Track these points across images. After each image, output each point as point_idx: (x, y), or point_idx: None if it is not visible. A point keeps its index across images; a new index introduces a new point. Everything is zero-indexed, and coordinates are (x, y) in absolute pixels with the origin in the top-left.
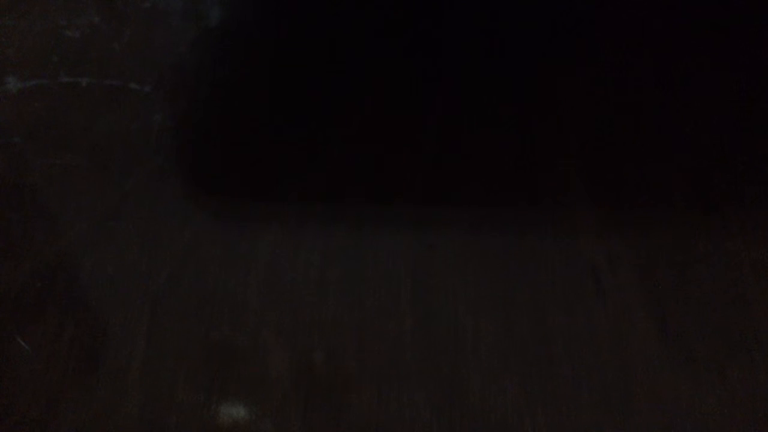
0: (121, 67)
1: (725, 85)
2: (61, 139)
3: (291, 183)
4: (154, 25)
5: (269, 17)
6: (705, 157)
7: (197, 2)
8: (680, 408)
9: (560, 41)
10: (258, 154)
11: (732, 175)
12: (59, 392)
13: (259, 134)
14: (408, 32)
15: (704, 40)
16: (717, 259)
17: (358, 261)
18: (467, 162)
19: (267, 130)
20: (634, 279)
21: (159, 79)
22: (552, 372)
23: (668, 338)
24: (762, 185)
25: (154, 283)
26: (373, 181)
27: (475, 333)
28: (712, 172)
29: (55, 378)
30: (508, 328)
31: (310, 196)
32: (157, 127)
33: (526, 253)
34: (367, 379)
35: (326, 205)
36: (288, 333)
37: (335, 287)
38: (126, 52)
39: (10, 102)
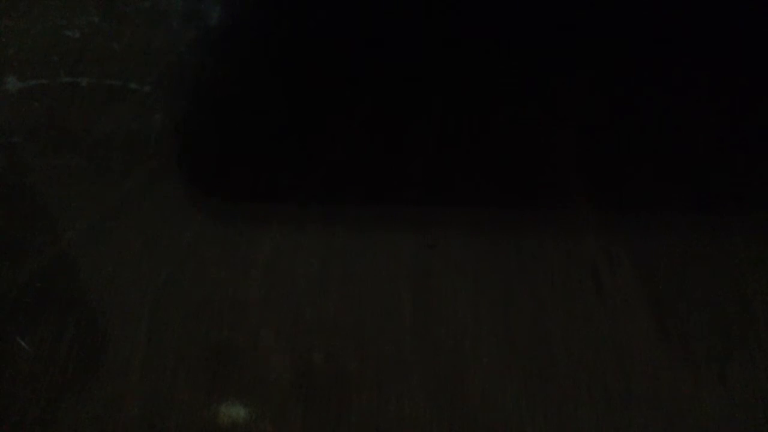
0: (121, 67)
1: (725, 85)
2: (61, 139)
3: (291, 183)
4: (154, 25)
5: (269, 17)
6: (705, 157)
7: (197, 2)
8: (680, 408)
9: (560, 41)
10: (258, 154)
11: (732, 175)
12: (59, 392)
13: (259, 134)
14: (408, 32)
15: (704, 41)
16: (717, 258)
17: (358, 261)
18: (467, 161)
19: (267, 130)
20: (634, 279)
21: (159, 79)
22: (552, 372)
23: (668, 338)
24: (762, 185)
25: (154, 283)
26: (373, 181)
27: (475, 333)
28: (712, 172)
29: (55, 378)
30: (508, 328)
31: (310, 196)
32: (157, 127)
33: (526, 252)
34: (367, 379)
35: (326, 205)
36: (288, 333)
37: (335, 287)
38: (126, 52)
39: (10, 102)
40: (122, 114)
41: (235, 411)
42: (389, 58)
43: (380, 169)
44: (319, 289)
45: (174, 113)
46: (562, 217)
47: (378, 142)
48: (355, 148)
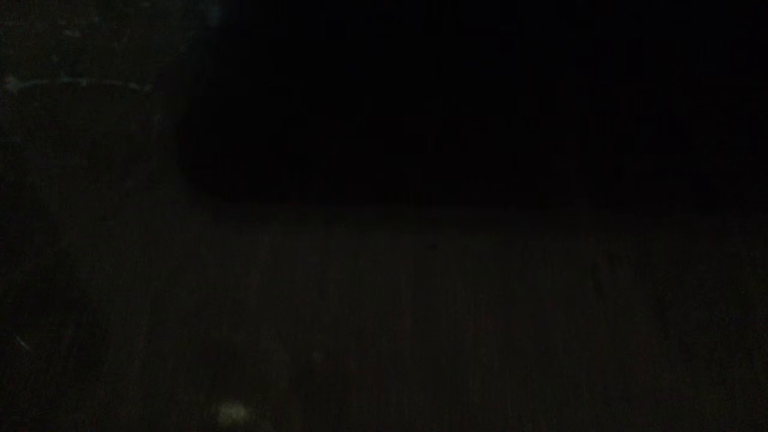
0: (121, 67)
1: (725, 85)
2: (61, 139)
3: (291, 183)
4: (154, 25)
5: (269, 17)
6: (705, 157)
7: (197, 2)
8: (680, 408)
9: (560, 40)
10: (258, 154)
11: (732, 175)
12: (59, 392)
13: (259, 134)
14: (408, 32)
15: (704, 40)
16: (717, 259)
17: (358, 261)
18: (467, 162)
19: (267, 130)
20: (634, 279)
21: (159, 79)
22: (552, 372)
23: (668, 338)
24: (762, 185)
25: (154, 283)
26: (373, 181)
27: (475, 333)
28: (712, 172)
29: (55, 378)
30: (508, 328)
31: (310, 196)
32: (157, 127)
33: (526, 253)
34: (367, 379)
35: (326, 205)
36: (288, 333)
37: (335, 287)
38: (126, 52)
39: (10, 102)
40: (122, 114)
41: (235, 411)
42: (389, 57)
43: (380, 169)
44: (319, 288)
45: (174, 113)
46: (562, 217)
47: (378, 142)
48: (355, 147)
